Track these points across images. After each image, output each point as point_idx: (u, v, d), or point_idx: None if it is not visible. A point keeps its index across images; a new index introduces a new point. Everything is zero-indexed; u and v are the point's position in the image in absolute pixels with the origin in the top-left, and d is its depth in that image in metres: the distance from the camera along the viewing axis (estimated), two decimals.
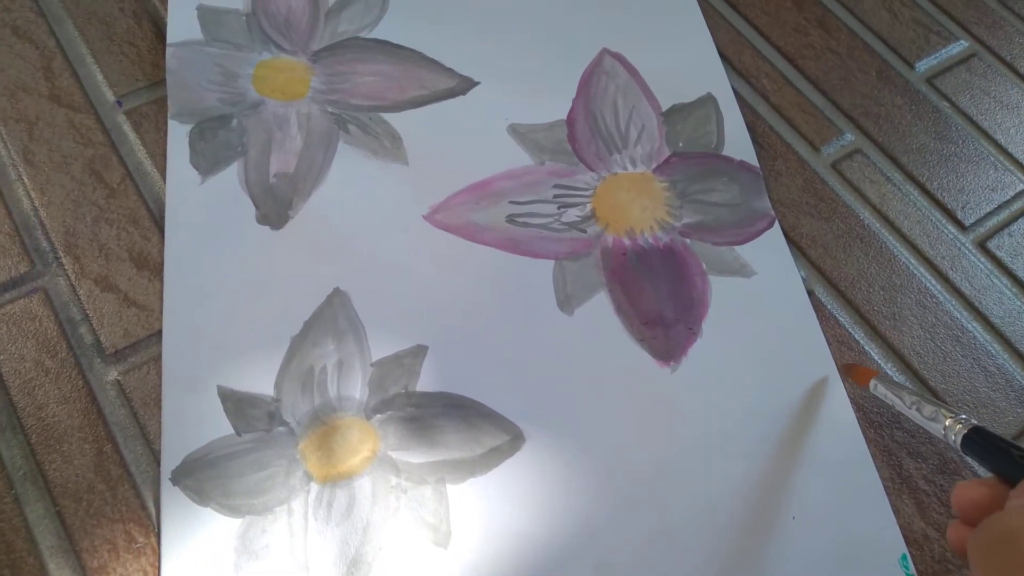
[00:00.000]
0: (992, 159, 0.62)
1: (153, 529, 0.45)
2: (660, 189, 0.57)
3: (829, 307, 0.55)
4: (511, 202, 0.56)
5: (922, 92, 0.65)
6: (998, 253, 0.58)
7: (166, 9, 0.61)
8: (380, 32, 0.62)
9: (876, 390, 0.48)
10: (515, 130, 0.59)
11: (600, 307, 0.53)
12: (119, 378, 0.48)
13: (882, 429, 0.50)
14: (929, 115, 0.64)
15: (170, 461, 0.46)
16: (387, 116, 0.58)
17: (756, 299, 0.54)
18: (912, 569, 0.47)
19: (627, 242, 0.55)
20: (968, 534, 0.34)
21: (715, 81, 0.63)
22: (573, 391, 0.50)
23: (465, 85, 0.61)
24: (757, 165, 0.59)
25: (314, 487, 0.46)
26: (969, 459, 0.50)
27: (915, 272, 0.57)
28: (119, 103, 0.57)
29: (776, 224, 0.57)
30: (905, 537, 0.47)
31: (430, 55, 0.62)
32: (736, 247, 0.56)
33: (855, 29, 0.68)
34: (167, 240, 0.52)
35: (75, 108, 0.57)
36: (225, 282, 0.51)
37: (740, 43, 0.66)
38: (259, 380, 0.48)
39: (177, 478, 0.45)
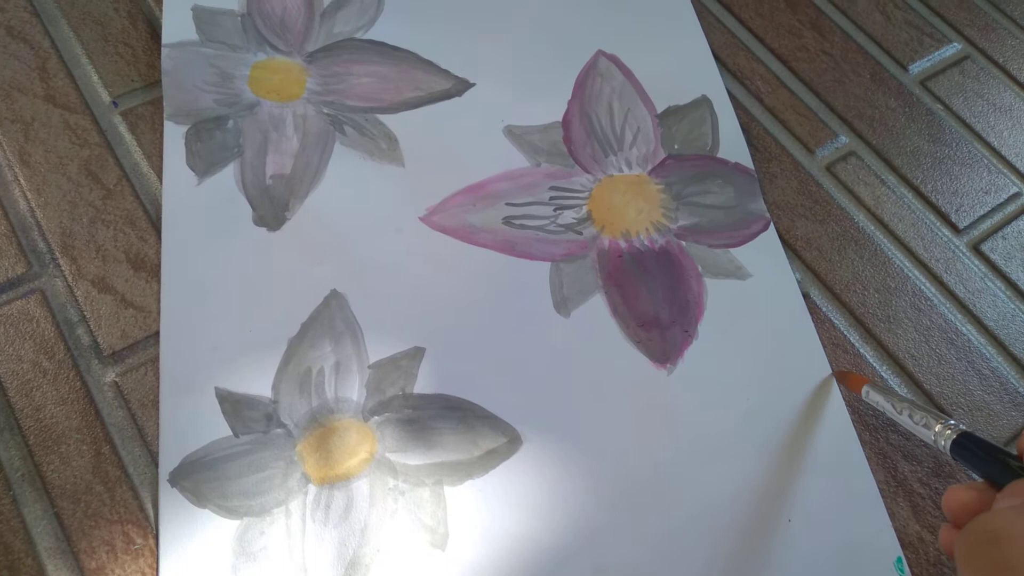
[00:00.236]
0: (986, 162, 0.62)
1: (151, 530, 0.45)
2: (656, 191, 0.57)
3: (824, 310, 0.55)
4: (507, 204, 0.56)
5: (915, 94, 0.65)
6: (992, 256, 0.58)
7: (161, 10, 0.61)
8: (375, 33, 0.62)
9: (868, 397, 0.48)
10: (511, 132, 0.59)
11: (596, 309, 0.53)
12: (117, 379, 0.48)
13: (877, 432, 0.51)
14: (923, 117, 0.64)
15: (168, 462, 0.46)
16: (383, 117, 0.58)
17: (751, 301, 0.54)
18: (907, 571, 0.47)
19: (623, 244, 0.55)
20: None
21: (710, 83, 0.63)
22: (570, 393, 0.50)
23: (461, 87, 0.61)
24: (752, 167, 0.59)
25: (312, 489, 0.46)
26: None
27: (909, 275, 0.57)
28: (115, 104, 0.57)
29: (771, 226, 0.57)
30: (900, 540, 0.48)
31: (426, 56, 0.62)
32: (731, 249, 0.56)
33: (849, 31, 0.68)
34: (164, 241, 0.52)
35: (71, 109, 0.57)
36: (222, 283, 0.51)
37: (735, 45, 0.66)
38: (257, 382, 0.48)
39: (175, 479, 0.45)
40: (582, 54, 0.64)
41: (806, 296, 0.55)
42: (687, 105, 0.62)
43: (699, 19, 0.67)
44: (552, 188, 0.57)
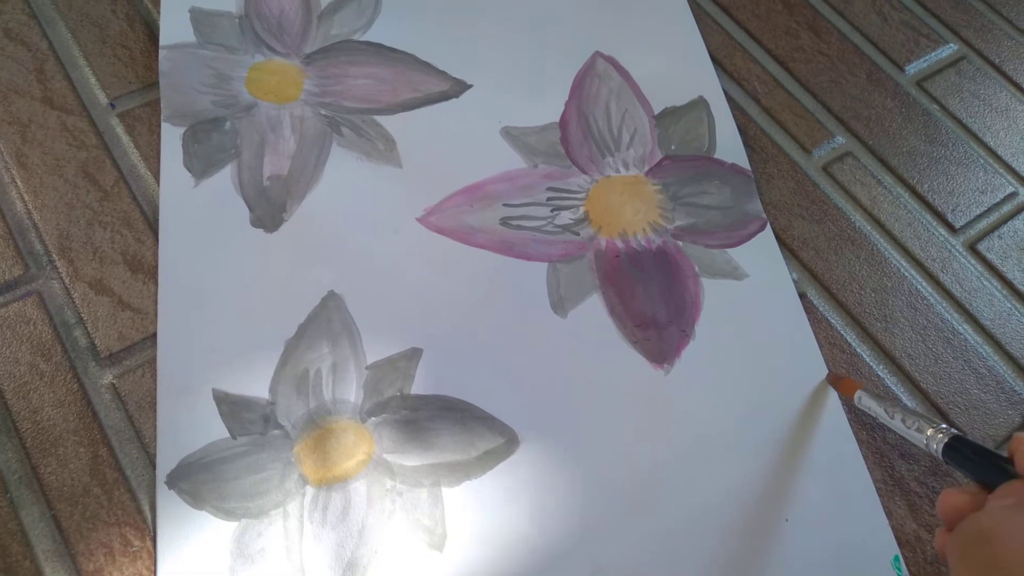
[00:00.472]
0: (982, 162, 0.62)
1: (149, 532, 0.45)
2: (652, 192, 0.58)
3: (821, 309, 0.55)
4: (505, 205, 0.56)
5: (912, 95, 0.65)
6: (988, 255, 0.58)
7: (159, 11, 0.61)
8: (373, 35, 0.62)
9: (860, 403, 0.48)
10: (508, 133, 0.59)
11: (593, 309, 0.53)
12: (114, 381, 0.48)
13: (874, 431, 0.51)
14: (919, 118, 0.64)
15: (165, 464, 0.46)
16: (380, 119, 0.58)
17: (748, 301, 0.54)
18: (904, 570, 0.47)
19: (620, 245, 0.55)
20: None
21: (707, 84, 0.64)
22: (567, 393, 0.50)
23: (458, 88, 0.61)
24: (749, 168, 0.60)
25: (309, 490, 0.46)
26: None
27: (906, 274, 0.57)
28: (112, 105, 0.57)
29: (768, 227, 0.57)
30: (897, 538, 0.48)
31: (423, 58, 0.62)
32: (728, 250, 0.56)
33: (845, 32, 0.68)
34: (161, 243, 0.52)
35: (68, 111, 0.57)
36: (219, 285, 0.51)
37: (731, 46, 0.67)
38: (254, 383, 0.48)
39: (172, 481, 0.45)
40: (579, 55, 0.64)
41: (803, 296, 0.55)
42: (684, 106, 0.62)
43: (696, 20, 0.67)
44: (549, 189, 0.57)
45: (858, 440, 0.50)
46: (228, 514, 0.45)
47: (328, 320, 0.51)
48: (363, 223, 0.54)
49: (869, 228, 0.59)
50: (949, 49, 0.68)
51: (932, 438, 0.42)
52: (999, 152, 0.63)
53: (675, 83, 0.63)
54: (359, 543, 0.45)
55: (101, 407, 0.47)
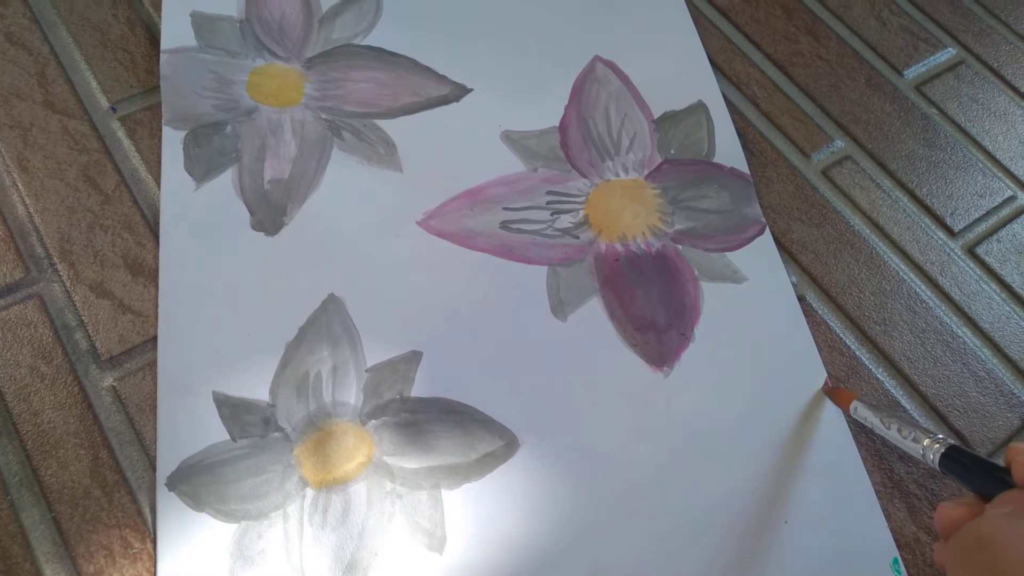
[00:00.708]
0: (980, 166, 0.63)
1: (149, 535, 0.45)
2: (652, 196, 0.58)
3: (820, 313, 0.55)
4: (504, 208, 0.56)
5: (911, 99, 0.65)
6: (987, 259, 0.58)
7: (160, 15, 0.61)
8: (373, 39, 0.63)
9: (856, 413, 0.48)
10: (508, 137, 0.59)
11: (593, 313, 0.53)
12: (114, 384, 0.48)
13: (873, 434, 0.51)
14: (918, 122, 0.64)
15: (166, 467, 0.46)
16: (381, 123, 0.59)
17: (747, 305, 0.54)
18: (904, 572, 0.47)
19: (620, 248, 0.55)
20: None
21: (706, 88, 0.64)
22: (567, 396, 0.50)
23: (458, 92, 0.61)
24: (748, 172, 0.60)
25: (309, 492, 0.46)
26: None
27: (905, 278, 0.57)
28: (113, 109, 0.57)
29: (767, 230, 0.57)
30: (896, 541, 0.48)
31: (423, 62, 0.62)
32: (727, 253, 0.56)
33: (844, 36, 0.68)
34: (162, 246, 0.52)
35: (69, 114, 0.57)
36: (220, 288, 0.51)
37: (731, 51, 0.67)
38: (254, 386, 0.48)
39: (173, 483, 0.45)
40: (579, 59, 0.64)
41: (802, 299, 0.55)
42: (683, 110, 0.62)
43: (695, 25, 0.67)
44: (549, 193, 0.57)
45: (857, 442, 0.50)
46: (228, 516, 0.45)
47: (328, 323, 0.51)
48: (364, 226, 0.54)
49: (868, 232, 0.59)
50: (948, 53, 0.69)
51: (929, 448, 0.42)
52: (998, 156, 0.63)
53: (674, 87, 0.63)
54: (359, 545, 0.45)
55: (102, 409, 0.48)
